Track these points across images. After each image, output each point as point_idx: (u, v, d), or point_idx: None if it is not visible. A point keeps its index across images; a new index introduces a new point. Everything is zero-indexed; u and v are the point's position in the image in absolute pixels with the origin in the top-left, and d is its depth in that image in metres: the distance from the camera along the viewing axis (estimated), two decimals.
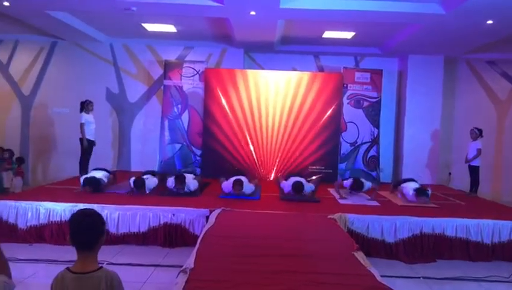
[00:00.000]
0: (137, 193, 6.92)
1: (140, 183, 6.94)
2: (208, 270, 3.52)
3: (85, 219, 2.14)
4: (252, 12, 6.95)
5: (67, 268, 2.11)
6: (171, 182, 7.08)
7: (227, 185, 7.08)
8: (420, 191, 6.96)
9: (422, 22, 7.22)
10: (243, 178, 7.17)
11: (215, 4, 6.65)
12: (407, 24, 7.76)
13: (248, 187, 7.14)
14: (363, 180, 7.40)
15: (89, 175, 7.22)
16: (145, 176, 7.21)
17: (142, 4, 6.79)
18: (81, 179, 7.05)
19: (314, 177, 8.22)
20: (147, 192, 6.98)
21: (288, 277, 3.42)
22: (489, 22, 6.89)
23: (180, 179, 7.00)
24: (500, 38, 7.98)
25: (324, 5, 6.67)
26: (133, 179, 7.00)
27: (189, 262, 3.68)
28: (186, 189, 7.03)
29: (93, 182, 6.97)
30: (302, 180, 7.24)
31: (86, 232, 2.11)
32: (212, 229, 4.90)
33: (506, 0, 5.97)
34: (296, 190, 6.97)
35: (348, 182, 7.41)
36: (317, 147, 9.37)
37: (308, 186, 7.14)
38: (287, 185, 7.22)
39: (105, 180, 7.27)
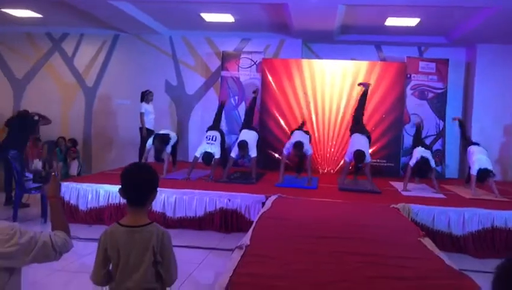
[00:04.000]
0: (193, 180, 6.93)
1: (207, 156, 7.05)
2: (263, 247, 3.38)
3: (139, 172, 2.07)
4: None
5: (117, 222, 2.04)
6: (235, 152, 7.15)
7: (288, 145, 7.14)
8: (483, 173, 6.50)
9: (492, 4, 6.71)
10: (303, 139, 7.08)
11: None
12: (478, 9, 7.25)
13: (307, 146, 7.12)
14: (430, 160, 6.86)
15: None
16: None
17: None
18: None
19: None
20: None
21: (346, 258, 3.20)
22: None
23: (243, 145, 7.04)
24: None
25: None
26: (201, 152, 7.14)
27: (245, 240, 3.55)
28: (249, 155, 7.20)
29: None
30: None
31: (139, 186, 2.03)
32: (269, 212, 4.76)
33: None
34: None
35: (413, 161, 6.86)
36: (377, 139, 8.95)
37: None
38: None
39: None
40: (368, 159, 6.93)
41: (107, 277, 2.02)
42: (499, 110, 9.28)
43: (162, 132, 7.63)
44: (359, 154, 6.77)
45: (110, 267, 2.02)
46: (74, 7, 8.10)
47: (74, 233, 5.14)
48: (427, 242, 3.77)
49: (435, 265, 3.12)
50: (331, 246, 3.47)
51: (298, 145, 6.86)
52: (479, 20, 7.70)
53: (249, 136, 7.42)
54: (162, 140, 7.32)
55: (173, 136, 7.69)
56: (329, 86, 9.17)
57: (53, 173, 2.18)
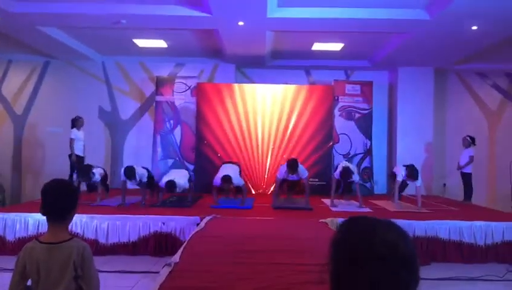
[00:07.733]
0: (127, 205, 6.87)
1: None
2: (192, 263, 3.47)
3: (57, 187, 2.11)
4: (240, 23, 7.04)
5: (36, 239, 2.07)
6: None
7: (216, 178, 7.10)
8: (410, 170, 7.03)
9: (408, 29, 7.30)
10: (231, 173, 7.11)
11: (204, 14, 6.73)
12: (394, 33, 7.85)
13: (237, 179, 7.22)
14: (351, 168, 7.30)
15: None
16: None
17: (130, 17, 6.87)
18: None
19: None
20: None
21: (271, 268, 3.36)
22: (474, 27, 6.98)
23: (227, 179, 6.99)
24: (487, 46, 8.05)
25: (310, 14, 6.75)
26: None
27: (175, 257, 3.62)
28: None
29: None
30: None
31: (57, 201, 2.06)
32: (201, 231, 4.85)
33: (487, 5, 6.06)
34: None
35: (337, 172, 7.30)
36: (310, 160, 9.33)
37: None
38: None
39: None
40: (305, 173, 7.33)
41: None
42: (420, 128, 9.93)
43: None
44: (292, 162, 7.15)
45: (29, 283, 2.03)
46: (1, 33, 7.92)
47: (1, 265, 4.98)
48: None
49: None
50: (259, 258, 3.61)
51: (226, 179, 6.97)
52: (394, 45, 8.32)
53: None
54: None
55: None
56: (259, 109, 9.47)
57: None
